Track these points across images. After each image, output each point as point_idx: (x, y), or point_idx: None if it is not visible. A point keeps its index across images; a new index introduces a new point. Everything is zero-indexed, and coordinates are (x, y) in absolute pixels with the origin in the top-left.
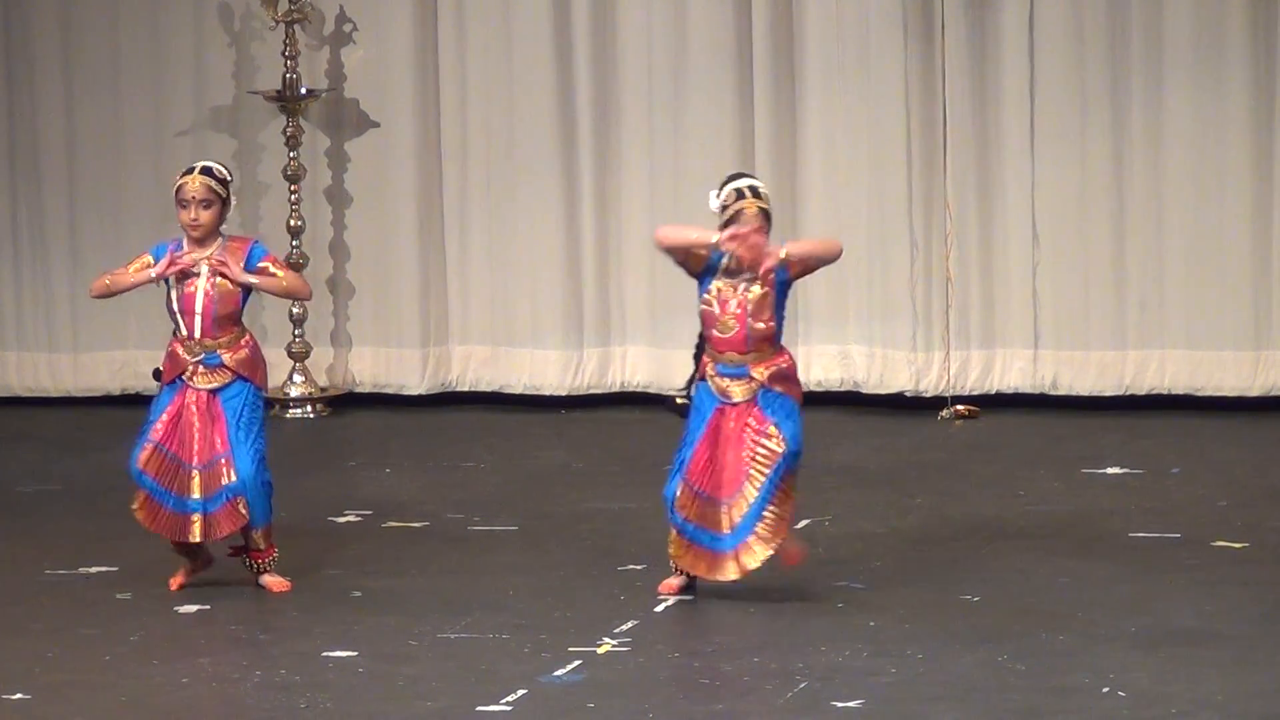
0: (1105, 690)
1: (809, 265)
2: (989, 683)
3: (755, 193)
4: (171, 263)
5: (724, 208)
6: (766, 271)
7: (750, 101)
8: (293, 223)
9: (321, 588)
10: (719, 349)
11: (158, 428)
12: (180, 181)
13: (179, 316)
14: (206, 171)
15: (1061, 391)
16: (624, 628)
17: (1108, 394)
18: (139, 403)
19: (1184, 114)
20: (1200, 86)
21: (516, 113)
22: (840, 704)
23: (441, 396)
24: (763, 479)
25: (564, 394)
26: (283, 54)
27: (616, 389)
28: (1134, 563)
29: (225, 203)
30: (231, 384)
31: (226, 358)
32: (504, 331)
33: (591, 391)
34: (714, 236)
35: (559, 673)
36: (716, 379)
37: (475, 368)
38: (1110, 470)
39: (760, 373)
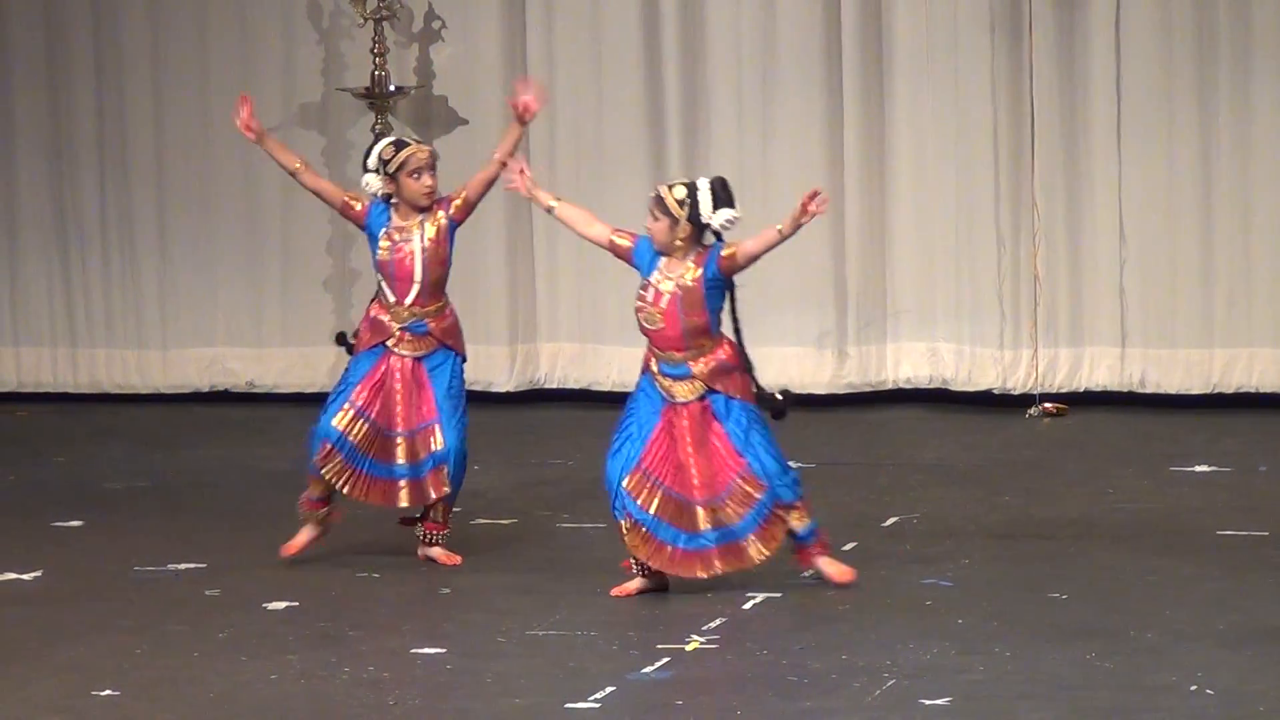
0: (1193, 688)
1: (749, 256)
2: (1076, 680)
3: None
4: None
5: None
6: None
7: (839, 101)
8: None
9: (410, 585)
10: (657, 345)
11: (360, 392)
12: (409, 153)
13: (391, 282)
14: (418, 141)
15: (1149, 389)
16: (712, 625)
17: (1195, 392)
18: (227, 400)
19: (1272, 111)
20: None
21: (604, 110)
22: (928, 701)
23: (530, 394)
24: (749, 510)
25: None
26: (371, 51)
27: None
28: (1221, 560)
29: None
30: (435, 352)
31: (432, 326)
32: (592, 329)
33: None
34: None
35: (647, 670)
36: (660, 378)
37: (563, 365)
38: (1198, 468)
39: (700, 369)
